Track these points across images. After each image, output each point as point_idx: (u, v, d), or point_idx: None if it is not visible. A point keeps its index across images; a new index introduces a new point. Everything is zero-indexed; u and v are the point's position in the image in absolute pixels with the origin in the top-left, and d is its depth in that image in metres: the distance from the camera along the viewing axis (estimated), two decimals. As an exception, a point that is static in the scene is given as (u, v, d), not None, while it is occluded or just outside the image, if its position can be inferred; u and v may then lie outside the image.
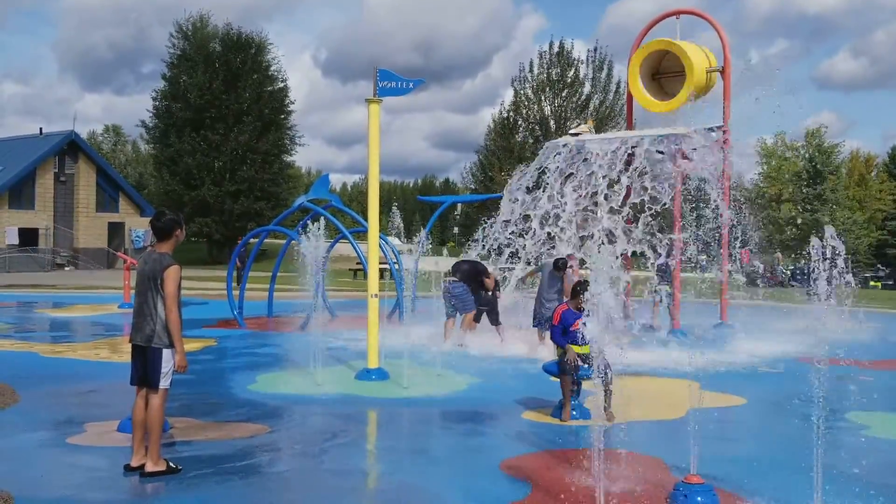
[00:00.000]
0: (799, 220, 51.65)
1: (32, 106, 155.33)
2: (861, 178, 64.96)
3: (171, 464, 6.58)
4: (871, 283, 44.27)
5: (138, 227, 45.24)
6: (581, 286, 8.87)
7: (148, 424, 6.52)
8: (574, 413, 8.72)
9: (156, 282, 6.50)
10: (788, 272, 38.57)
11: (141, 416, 6.58)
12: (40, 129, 45.95)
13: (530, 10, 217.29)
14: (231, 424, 8.33)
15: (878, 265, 50.18)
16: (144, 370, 6.58)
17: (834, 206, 53.63)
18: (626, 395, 9.15)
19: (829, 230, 5.63)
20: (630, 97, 20.55)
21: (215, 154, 50.31)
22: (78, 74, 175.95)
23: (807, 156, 56.70)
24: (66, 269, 40.84)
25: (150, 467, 6.47)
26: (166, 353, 6.53)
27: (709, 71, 18.37)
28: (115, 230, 44.89)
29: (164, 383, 6.56)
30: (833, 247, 5.46)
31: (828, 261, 5.47)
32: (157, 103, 52.55)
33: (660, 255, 17.49)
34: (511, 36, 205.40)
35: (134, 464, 6.57)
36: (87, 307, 21.67)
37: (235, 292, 18.27)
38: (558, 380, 9.26)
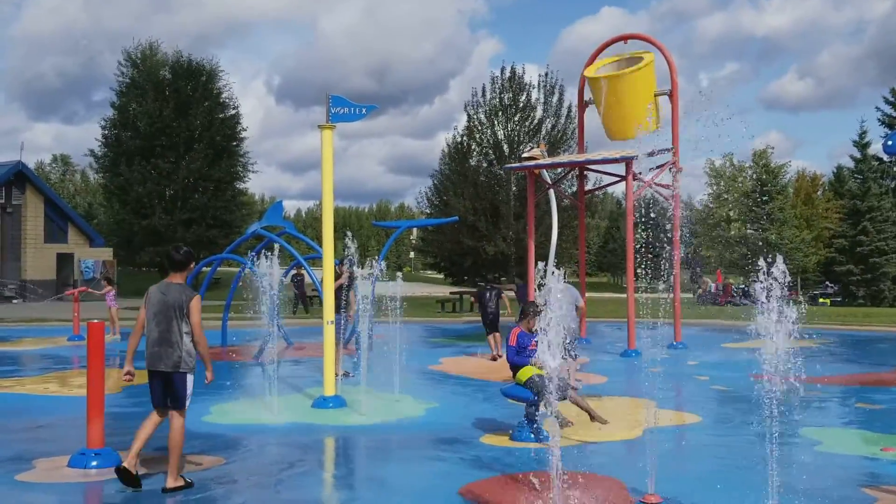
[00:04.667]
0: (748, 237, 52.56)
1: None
2: (808, 197, 66.40)
3: (186, 479, 6.93)
4: (820, 300, 45.11)
5: (88, 257, 44.45)
6: (530, 307, 8.97)
7: (171, 444, 6.86)
8: (532, 436, 8.72)
9: (182, 311, 6.87)
10: (740, 291, 39.18)
11: (148, 433, 7.02)
12: (-14, 159, 45.15)
13: (486, 35, 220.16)
14: (185, 457, 8.16)
15: (827, 283, 51.20)
16: (168, 394, 6.96)
17: (782, 225, 54.64)
18: (583, 416, 9.21)
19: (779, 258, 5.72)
20: (581, 121, 20.83)
21: (166, 182, 49.77)
22: (25, 103, 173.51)
23: (754, 176, 57.82)
24: (14, 301, 39.96)
25: (170, 483, 6.78)
26: (190, 377, 6.97)
27: (657, 94, 18.71)
28: (65, 261, 44.04)
29: (187, 404, 7.03)
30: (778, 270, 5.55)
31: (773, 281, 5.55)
32: (107, 132, 51.90)
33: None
34: (467, 61, 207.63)
35: (124, 463, 6.86)
36: (36, 340, 21.19)
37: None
38: (517, 403, 9.28)
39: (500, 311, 17.62)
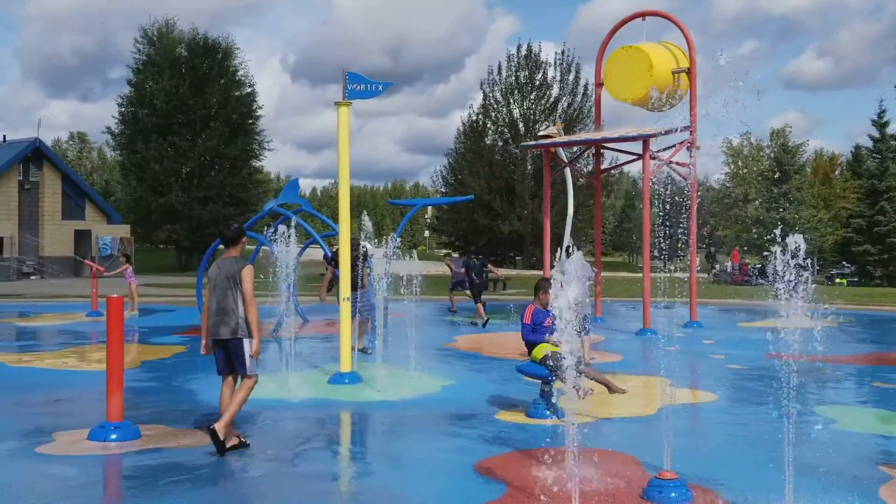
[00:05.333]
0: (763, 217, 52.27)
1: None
2: (825, 176, 65.83)
3: (242, 438, 7.41)
4: (837, 280, 44.84)
5: (105, 234, 44.67)
6: (544, 283, 8.94)
7: (235, 398, 7.33)
8: (547, 412, 8.75)
9: (235, 281, 7.33)
10: (756, 270, 39.00)
11: (227, 402, 7.38)
12: (3, 136, 45.22)
13: (503, 12, 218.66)
14: (203, 431, 8.24)
15: (844, 262, 50.80)
16: (232, 361, 7.41)
17: (799, 205, 54.24)
18: (599, 393, 9.23)
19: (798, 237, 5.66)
20: (598, 99, 20.69)
21: (183, 160, 49.88)
22: (42, 81, 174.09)
23: (772, 155, 57.41)
24: (32, 277, 40.28)
25: (219, 427, 7.13)
26: (247, 342, 7.37)
27: (675, 72, 18.56)
28: (82, 238, 44.27)
29: (255, 369, 7.49)
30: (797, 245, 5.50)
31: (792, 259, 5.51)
32: (123, 109, 52.03)
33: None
34: (483, 39, 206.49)
35: (228, 444, 7.23)
36: (55, 316, 21.39)
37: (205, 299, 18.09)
38: (532, 380, 9.30)
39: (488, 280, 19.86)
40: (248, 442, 7.56)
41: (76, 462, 7.10)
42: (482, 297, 19.35)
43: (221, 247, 7.75)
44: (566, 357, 6.18)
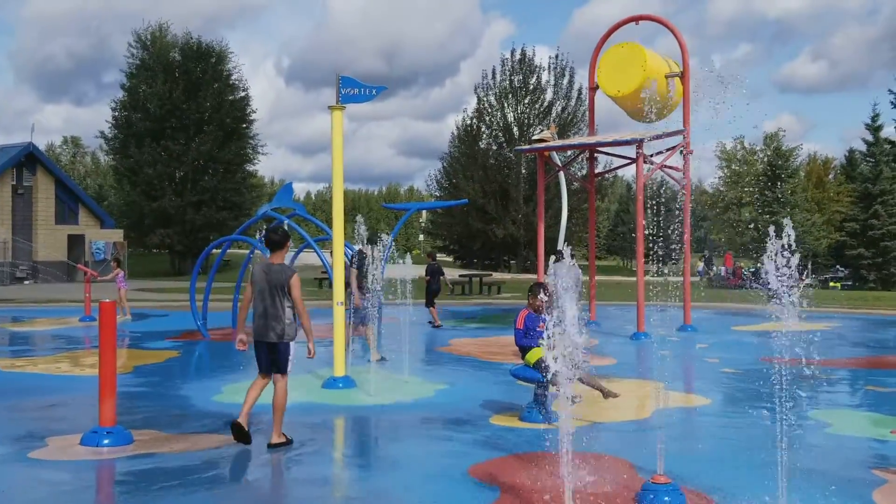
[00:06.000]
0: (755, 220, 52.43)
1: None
2: (819, 180, 66.03)
3: (287, 437, 7.76)
4: (831, 283, 44.96)
5: (99, 238, 44.57)
6: (536, 288, 8.93)
7: (275, 404, 7.68)
8: (541, 417, 8.74)
9: (283, 288, 7.59)
10: (750, 274, 39.07)
11: (254, 396, 7.74)
12: (-4, 140, 45.19)
13: (498, 16, 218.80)
14: (197, 436, 8.23)
15: (837, 266, 50.96)
16: (272, 360, 7.75)
17: (793, 209, 54.41)
18: (593, 397, 9.23)
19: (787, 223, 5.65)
20: (592, 103, 20.72)
21: (176, 164, 49.82)
22: (36, 85, 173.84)
23: (765, 159, 57.57)
24: (26, 282, 40.15)
25: (274, 440, 7.64)
26: (291, 345, 7.79)
27: (668, 76, 18.60)
28: (75, 242, 44.16)
29: (289, 369, 7.87)
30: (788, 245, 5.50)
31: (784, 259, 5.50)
32: (117, 114, 51.96)
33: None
34: (478, 43, 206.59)
35: (239, 419, 7.61)
36: (48, 321, 21.32)
37: (199, 303, 18.07)
38: (526, 384, 9.29)
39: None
40: (291, 440, 7.82)
41: (69, 467, 7.07)
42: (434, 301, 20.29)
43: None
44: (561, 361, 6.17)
